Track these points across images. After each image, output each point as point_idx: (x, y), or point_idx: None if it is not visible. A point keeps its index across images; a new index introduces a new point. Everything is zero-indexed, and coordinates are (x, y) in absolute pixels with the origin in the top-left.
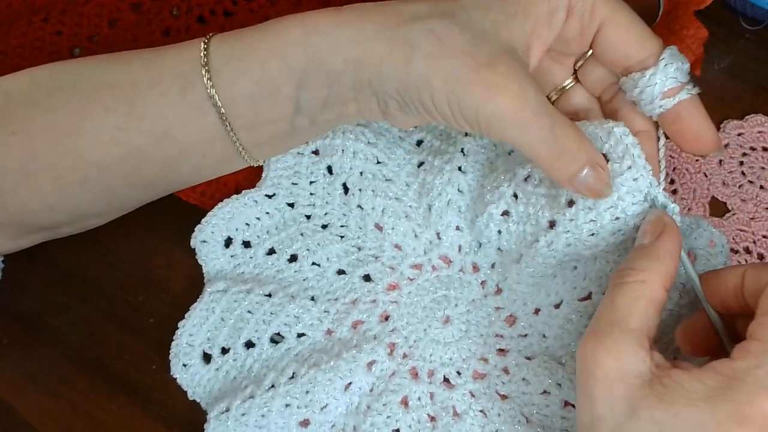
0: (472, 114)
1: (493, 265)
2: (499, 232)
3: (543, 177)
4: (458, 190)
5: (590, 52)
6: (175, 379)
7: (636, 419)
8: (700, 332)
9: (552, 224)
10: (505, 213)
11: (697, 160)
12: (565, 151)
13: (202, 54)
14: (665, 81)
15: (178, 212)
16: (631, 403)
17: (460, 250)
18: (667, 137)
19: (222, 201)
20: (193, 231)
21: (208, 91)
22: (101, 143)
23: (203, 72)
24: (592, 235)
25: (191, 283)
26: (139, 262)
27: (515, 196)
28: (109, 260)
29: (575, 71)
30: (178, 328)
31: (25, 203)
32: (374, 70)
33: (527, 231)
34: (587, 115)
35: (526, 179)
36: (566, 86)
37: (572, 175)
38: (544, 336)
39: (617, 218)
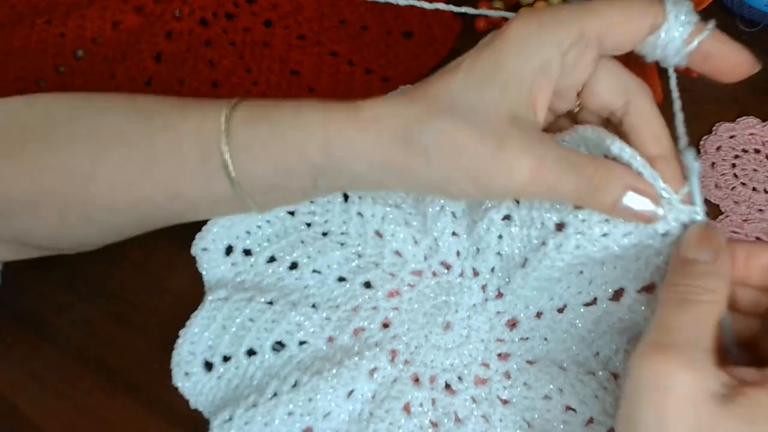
0: (501, 193)
1: (492, 270)
2: (500, 236)
3: None
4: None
5: (584, 82)
6: (177, 387)
7: None
8: None
9: (560, 226)
10: (507, 217)
11: None
12: (598, 186)
13: (223, 127)
14: (682, 29)
15: None
16: (708, 423)
17: (458, 255)
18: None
19: None
20: (196, 230)
21: (227, 164)
22: (113, 190)
23: (223, 146)
24: (604, 236)
25: (194, 283)
26: (142, 261)
27: (517, 200)
28: (112, 259)
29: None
30: (181, 328)
31: (29, 229)
32: (398, 174)
33: (532, 234)
34: None
35: None
36: (573, 111)
37: (612, 205)
38: (545, 339)
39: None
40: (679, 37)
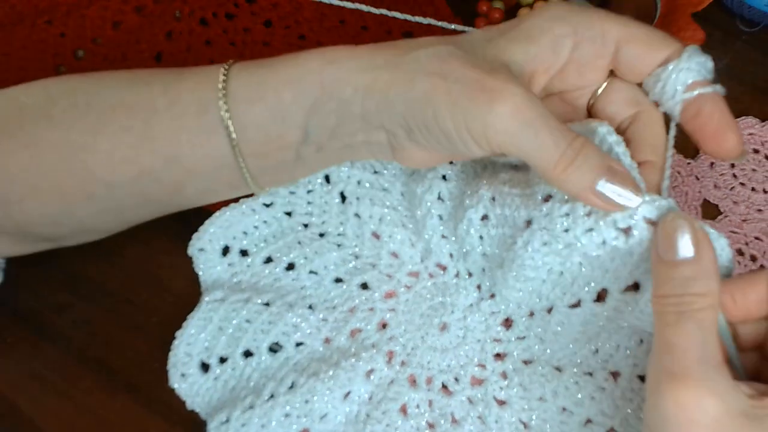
0: (479, 124)
1: (483, 270)
2: (481, 237)
3: (522, 179)
4: (438, 197)
5: (601, 90)
6: (174, 389)
7: None
8: None
9: (529, 223)
10: (485, 217)
11: (688, 163)
12: (579, 155)
13: (221, 79)
14: (687, 73)
15: (181, 211)
16: None
17: (452, 257)
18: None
19: (223, 204)
20: (196, 229)
21: (222, 114)
22: (112, 162)
23: (219, 96)
24: (566, 231)
25: (194, 283)
26: (142, 261)
27: (493, 199)
28: (112, 259)
29: (588, 110)
30: (179, 329)
31: (30, 215)
32: (381, 96)
33: (506, 234)
34: None
35: (505, 183)
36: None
37: (590, 184)
38: (541, 339)
39: (590, 213)
40: (682, 78)
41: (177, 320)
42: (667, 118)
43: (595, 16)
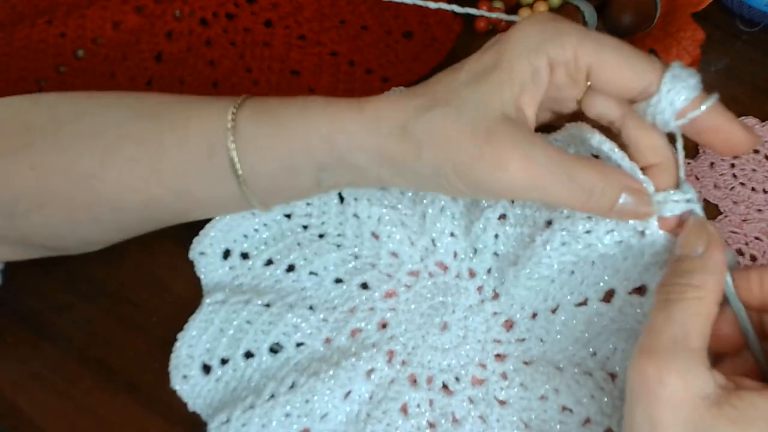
0: (489, 188)
1: (489, 270)
2: (496, 236)
3: None
4: (451, 197)
5: (588, 83)
6: (175, 390)
7: None
8: (721, 328)
9: (549, 224)
10: (502, 216)
11: (688, 164)
12: (592, 190)
13: (229, 124)
14: (674, 104)
15: None
16: (700, 426)
17: (455, 256)
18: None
19: None
20: (196, 230)
21: (234, 163)
22: (120, 190)
23: (229, 144)
24: (587, 233)
25: (194, 283)
26: (142, 261)
27: (512, 199)
28: (112, 259)
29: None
30: (181, 328)
31: (35, 228)
32: (392, 166)
33: (525, 233)
34: None
35: None
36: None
37: (609, 207)
38: (541, 341)
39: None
40: (669, 111)
41: (177, 320)
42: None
43: (567, 41)
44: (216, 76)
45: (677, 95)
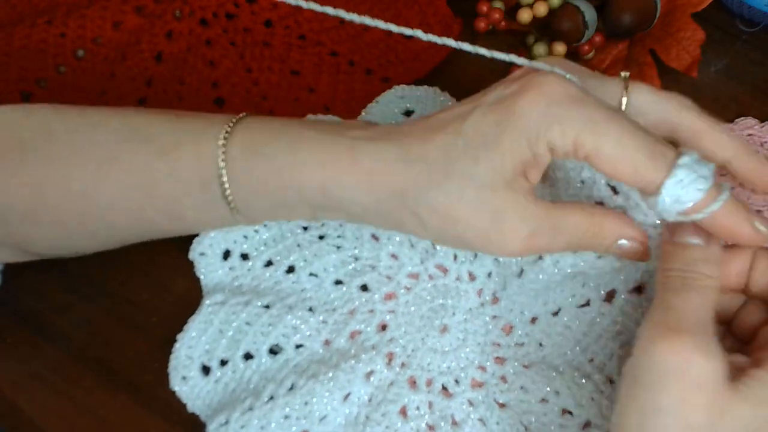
0: (499, 254)
1: (489, 274)
2: None
3: (545, 191)
4: None
5: None
6: (175, 392)
7: (722, 422)
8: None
9: None
10: None
11: None
12: (590, 242)
13: (220, 158)
14: (681, 203)
15: None
16: (722, 405)
17: (455, 258)
18: None
19: None
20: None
21: (229, 200)
22: (114, 210)
23: (222, 180)
24: (599, 258)
25: (194, 283)
26: (142, 261)
27: None
28: (113, 259)
29: None
30: (181, 328)
31: (30, 238)
32: (393, 222)
33: None
34: None
35: None
36: None
37: (606, 250)
38: (540, 345)
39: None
40: (675, 210)
41: (177, 320)
42: None
43: (568, 132)
44: (216, 76)
45: (690, 187)
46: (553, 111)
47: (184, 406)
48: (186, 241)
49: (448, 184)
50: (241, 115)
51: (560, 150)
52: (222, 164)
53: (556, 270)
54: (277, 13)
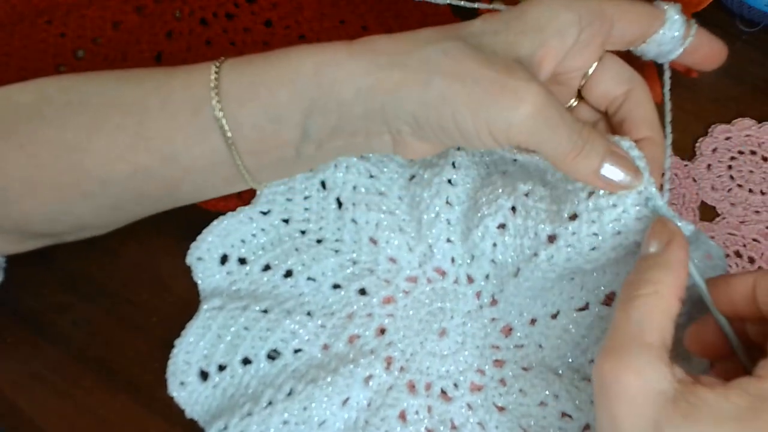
0: (502, 124)
1: (487, 276)
2: (494, 244)
3: (544, 194)
4: (446, 202)
5: (591, 70)
6: (173, 397)
7: None
8: (708, 335)
9: (552, 238)
10: (501, 226)
11: (686, 165)
12: (586, 144)
13: (212, 77)
14: (677, 33)
15: (182, 211)
16: (655, 421)
17: (453, 261)
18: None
19: (223, 202)
20: (196, 228)
21: (216, 113)
22: (108, 160)
23: (212, 95)
24: (593, 249)
25: (194, 283)
26: (142, 260)
27: (513, 209)
28: (113, 259)
29: (579, 91)
30: (181, 328)
31: (28, 213)
32: (389, 97)
33: (525, 244)
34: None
35: (527, 194)
36: (571, 105)
37: (596, 168)
38: (540, 346)
39: (620, 232)
40: (678, 37)
41: (177, 320)
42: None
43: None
44: None
45: (679, 18)
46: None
47: None
48: (187, 240)
49: (462, 42)
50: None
51: (588, 19)
52: (213, 76)
53: (550, 266)
54: (277, 13)
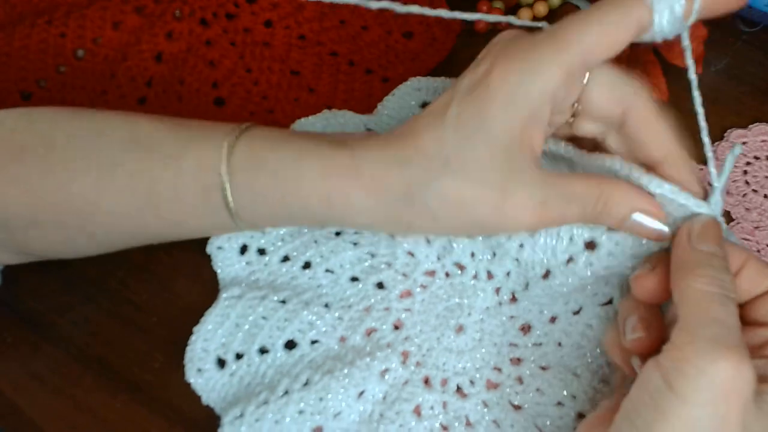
0: (505, 232)
1: (508, 274)
2: (521, 245)
3: None
4: None
5: (577, 106)
6: (190, 384)
7: None
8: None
9: (590, 245)
10: None
11: (701, 170)
12: (602, 211)
13: (224, 173)
14: (672, 18)
15: None
16: (743, 419)
17: (473, 256)
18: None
19: None
20: None
21: (232, 211)
22: (114, 217)
23: (225, 192)
24: (635, 257)
25: (195, 282)
26: (142, 260)
27: None
28: (113, 259)
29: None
30: (182, 327)
31: (32, 242)
32: (402, 227)
33: (558, 248)
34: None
35: None
36: (568, 121)
37: (620, 221)
38: (559, 344)
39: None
40: (676, 17)
41: (177, 320)
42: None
43: (554, 59)
44: (216, 76)
45: (667, 13)
46: (530, 63)
47: (184, 406)
48: (187, 241)
49: (449, 172)
50: (245, 125)
51: (556, 81)
52: (225, 174)
53: (589, 273)
54: (277, 13)
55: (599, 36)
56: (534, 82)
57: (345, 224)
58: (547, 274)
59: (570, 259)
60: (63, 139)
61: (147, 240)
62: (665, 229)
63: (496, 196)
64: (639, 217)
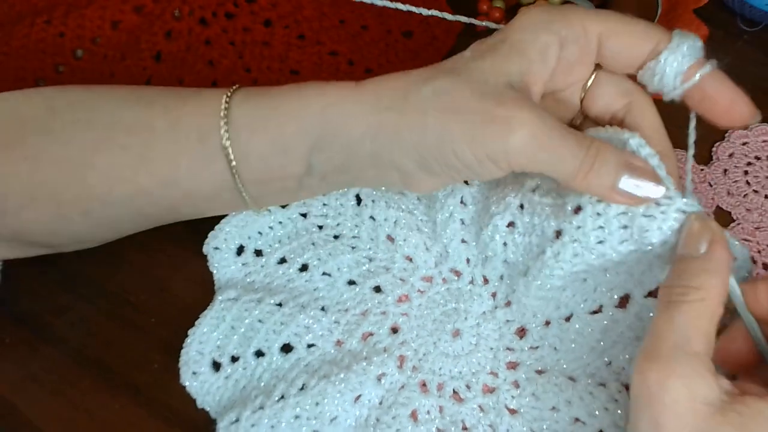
0: (499, 151)
1: (501, 277)
2: (505, 244)
3: (551, 187)
4: (461, 202)
5: (590, 82)
6: (185, 387)
7: None
8: (736, 345)
9: (558, 234)
10: (511, 224)
11: (702, 170)
12: (596, 160)
13: (223, 106)
14: (681, 60)
15: None
16: (698, 429)
17: (468, 262)
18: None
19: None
20: (195, 230)
21: (223, 143)
22: (109, 180)
23: (221, 124)
24: (600, 243)
25: (193, 283)
26: (141, 261)
27: (521, 206)
28: (112, 260)
29: (581, 104)
30: (180, 328)
31: (26, 225)
32: (392, 137)
33: (533, 242)
34: None
35: (533, 190)
36: (575, 122)
37: (611, 184)
38: (555, 349)
39: (626, 226)
40: (677, 67)
41: (176, 321)
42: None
43: (574, 17)
44: (215, 76)
45: (687, 50)
46: (554, 10)
47: (183, 407)
48: (186, 242)
49: (453, 75)
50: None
51: (571, 38)
52: (223, 106)
53: (557, 263)
54: (276, 13)
55: (621, 26)
56: (552, 23)
57: (337, 143)
58: (527, 272)
59: (542, 252)
60: (64, 106)
61: (141, 215)
62: (657, 190)
63: (493, 100)
64: (626, 183)
